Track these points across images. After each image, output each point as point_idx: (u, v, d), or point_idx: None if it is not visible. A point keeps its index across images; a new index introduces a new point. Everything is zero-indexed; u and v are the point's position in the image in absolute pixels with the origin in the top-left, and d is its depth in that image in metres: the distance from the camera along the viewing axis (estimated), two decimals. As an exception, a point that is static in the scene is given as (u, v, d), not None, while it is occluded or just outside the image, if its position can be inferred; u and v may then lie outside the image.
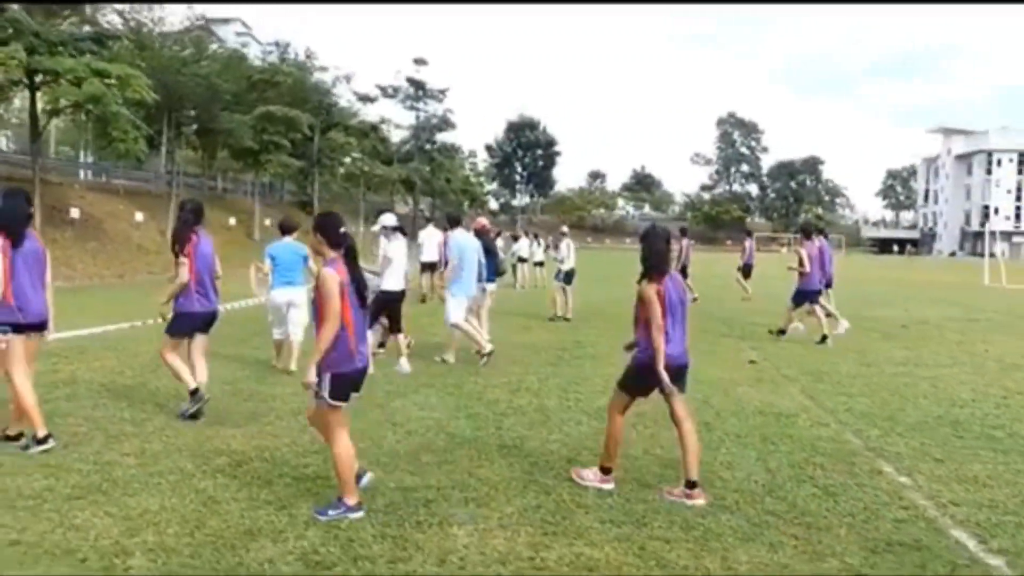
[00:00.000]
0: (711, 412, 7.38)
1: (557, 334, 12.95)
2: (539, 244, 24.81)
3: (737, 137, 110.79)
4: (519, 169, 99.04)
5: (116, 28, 29.66)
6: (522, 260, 24.25)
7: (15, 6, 23.76)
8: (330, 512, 4.49)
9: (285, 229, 9.61)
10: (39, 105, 26.08)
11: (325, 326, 4.39)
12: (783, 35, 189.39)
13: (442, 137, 69.32)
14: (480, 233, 11.05)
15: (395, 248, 9.45)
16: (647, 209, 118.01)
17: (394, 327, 9.51)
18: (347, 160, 52.02)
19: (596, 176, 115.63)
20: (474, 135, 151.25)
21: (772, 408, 7.58)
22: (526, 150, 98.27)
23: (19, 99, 32.35)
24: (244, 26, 73.54)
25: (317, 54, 45.28)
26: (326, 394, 4.48)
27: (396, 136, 64.55)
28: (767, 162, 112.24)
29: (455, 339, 10.05)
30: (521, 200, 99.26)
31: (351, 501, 4.53)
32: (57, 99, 23.42)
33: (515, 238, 25.18)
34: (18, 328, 5.69)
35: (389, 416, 6.97)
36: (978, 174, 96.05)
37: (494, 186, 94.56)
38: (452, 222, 10.99)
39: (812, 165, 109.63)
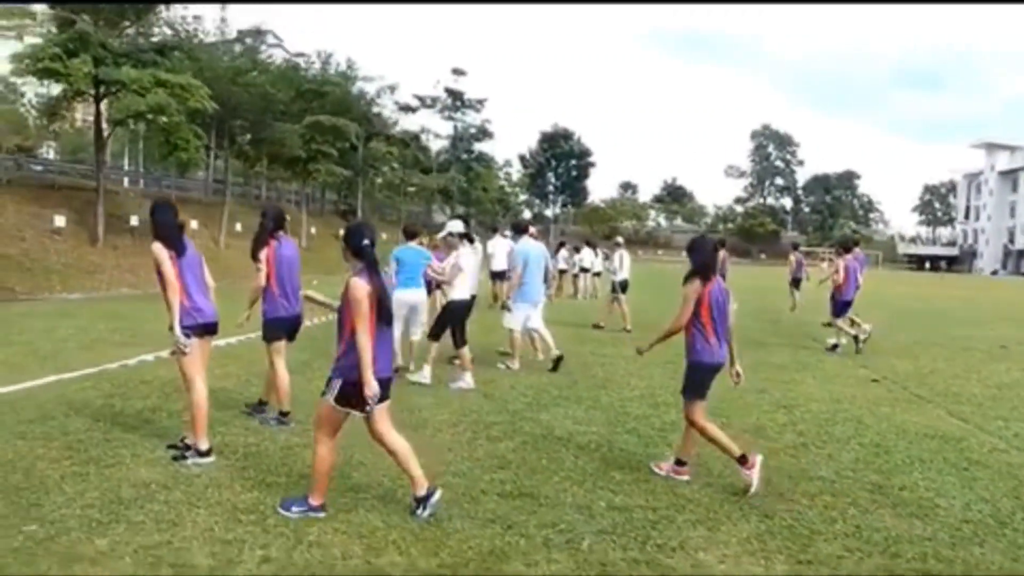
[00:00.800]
0: (873, 433, 7.17)
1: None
2: (596, 255, 24.65)
3: (772, 150, 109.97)
4: (552, 179, 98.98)
5: (167, 38, 29.86)
6: (584, 271, 24.15)
7: (85, 16, 24.05)
8: (294, 508, 4.60)
9: (409, 234, 9.81)
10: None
11: (362, 334, 4.43)
12: (802, 46, 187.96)
13: (479, 147, 69.51)
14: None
15: (465, 256, 9.22)
16: (678, 221, 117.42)
17: (458, 339, 9.06)
18: (386, 170, 52.17)
19: (627, 187, 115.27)
20: (506, 145, 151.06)
21: (935, 431, 7.33)
22: (560, 160, 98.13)
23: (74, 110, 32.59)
24: (276, 37, 74.14)
25: (358, 64, 45.56)
26: (331, 397, 4.54)
27: (434, 146, 64.85)
28: (802, 176, 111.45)
29: (548, 342, 10.30)
30: (553, 210, 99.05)
31: (315, 502, 4.61)
32: (127, 109, 23.50)
33: (577, 249, 25.03)
34: (197, 330, 5.68)
35: (548, 430, 6.84)
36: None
37: (526, 196, 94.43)
38: (517, 230, 11.01)
39: (848, 179, 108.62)
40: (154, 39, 27.76)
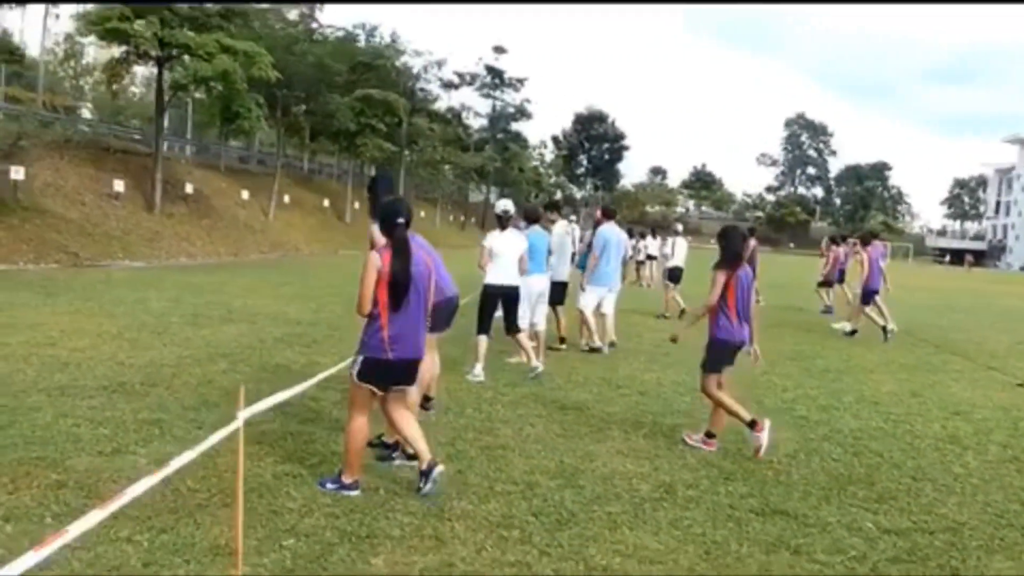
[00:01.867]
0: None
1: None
2: (654, 241, 24.14)
3: (805, 139, 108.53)
4: (584, 162, 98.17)
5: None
6: (651, 258, 23.67)
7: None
8: (328, 485, 4.50)
9: (532, 218, 9.26)
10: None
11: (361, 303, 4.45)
12: (831, 37, 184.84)
13: (515, 127, 68.77)
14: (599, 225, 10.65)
15: (499, 240, 8.02)
16: (707, 207, 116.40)
17: (509, 327, 8.19)
18: (426, 146, 51.62)
19: (657, 172, 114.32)
20: (538, 126, 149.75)
21: None
22: (593, 143, 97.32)
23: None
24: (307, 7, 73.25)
25: (401, 38, 44.78)
26: (354, 371, 4.49)
27: (472, 124, 64.23)
28: (834, 166, 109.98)
29: (608, 329, 10.28)
30: (584, 193, 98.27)
31: (348, 480, 4.49)
32: (195, 74, 23.06)
33: (642, 235, 24.51)
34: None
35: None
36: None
37: (559, 178, 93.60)
38: (606, 214, 10.72)
39: (880, 170, 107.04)
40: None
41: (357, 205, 41.90)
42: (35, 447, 4.87)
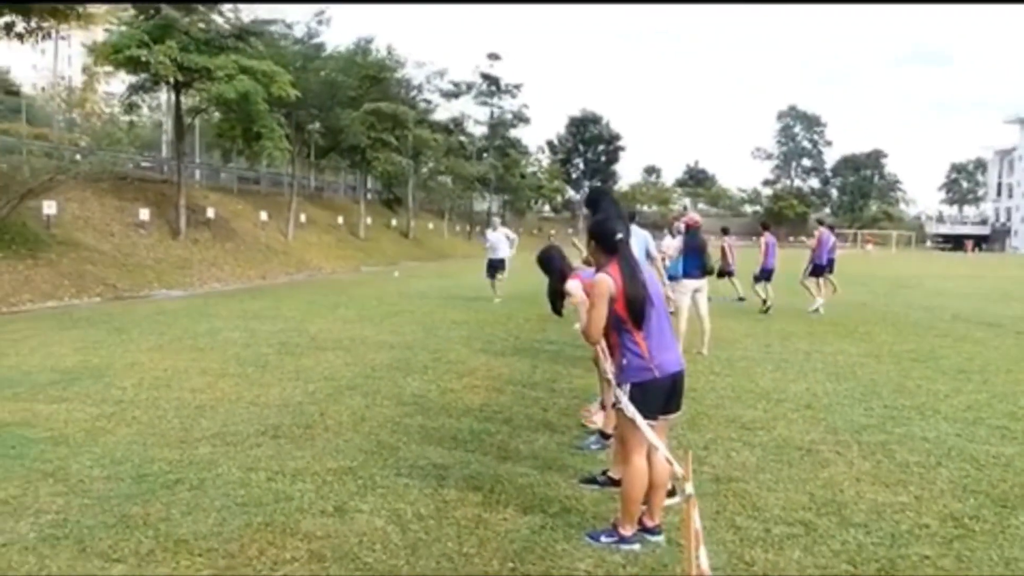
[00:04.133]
0: None
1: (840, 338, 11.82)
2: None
3: (799, 130, 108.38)
4: (581, 165, 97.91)
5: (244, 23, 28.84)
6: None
7: (164, 7, 23.04)
8: (603, 539, 4.07)
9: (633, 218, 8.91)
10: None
11: (592, 325, 4.15)
12: (821, 26, 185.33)
13: (513, 133, 68.29)
14: (690, 228, 10.47)
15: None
16: (702, 205, 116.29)
17: None
18: (430, 157, 51.16)
19: (651, 171, 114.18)
20: (533, 132, 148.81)
21: None
22: (588, 145, 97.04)
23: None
24: (286, 26, 72.54)
25: (397, 50, 44.14)
26: (625, 404, 4.05)
27: (475, 132, 63.76)
28: (830, 157, 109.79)
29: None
30: (582, 195, 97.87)
31: (627, 531, 4.06)
32: (218, 96, 22.59)
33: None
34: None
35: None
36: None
37: (557, 182, 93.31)
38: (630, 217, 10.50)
39: (875, 158, 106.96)
40: (230, 24, 26.74)
41: (369, 220, 41.47)
42: (250, 509, 4.42)
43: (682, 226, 10.95)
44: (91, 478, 4.95)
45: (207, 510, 4.40)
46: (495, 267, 17.53)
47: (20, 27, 18.10)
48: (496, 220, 22.14)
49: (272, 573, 3.64)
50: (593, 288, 4.10)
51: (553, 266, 5.20)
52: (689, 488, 2.66)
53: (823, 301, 15.74)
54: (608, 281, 4.03)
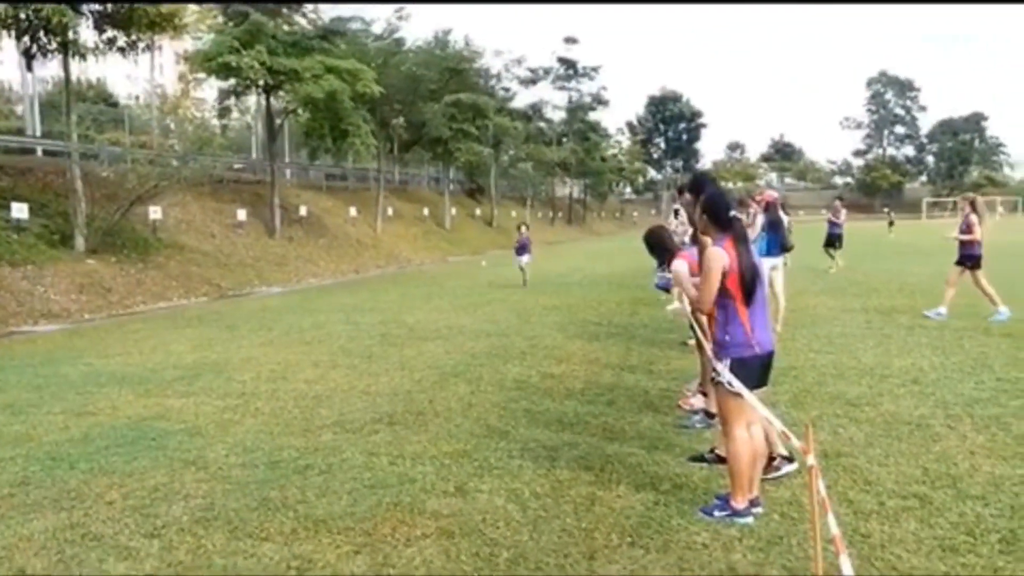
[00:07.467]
0: None
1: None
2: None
3: (891, 97, 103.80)
4: (662, 144, 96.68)
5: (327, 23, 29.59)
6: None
7: (252, 10, 23.89)
8: (716, 513, 4.14)
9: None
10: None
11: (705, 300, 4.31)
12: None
13: (593, 116, 67.85)
14: (769, 206, 10.18)
15: None
16: (789, 179, 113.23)
17: None
18: (511, 145, 51.42)
19: (735, 147, 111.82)
20: (612, 114, 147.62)
21: None
22: (669, 124, 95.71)
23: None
24: (365, 24, 73.73)
25: (473, 39, 44.52)
26: (725, 378, 4.17)
27: (554, 117, 63.71)
28: (925, 122, 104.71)
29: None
30: (664, 175, 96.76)
31: (739, 504, 4.12)
32: (307, 97, 23.34)
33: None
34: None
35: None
36: None
37: (639, 163, 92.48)
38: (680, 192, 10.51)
39: (975, 122, 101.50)
40: (314, 25, 27.53)
41: (454, 211, 42.06)
42: (378, 490, 4.71)
43: (759, 206, 10.84)
44: (228, 465, 5.34)
45: (338, 492, 4.71)
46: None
47: (121, 41, 19.06)
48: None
49: (406, 548, 3.90)
50: (709, 260, 4.21)
51: (665, 245, 5.36)
52: (811, 459, 2.75)
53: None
54: (723, 255, 4.14)
